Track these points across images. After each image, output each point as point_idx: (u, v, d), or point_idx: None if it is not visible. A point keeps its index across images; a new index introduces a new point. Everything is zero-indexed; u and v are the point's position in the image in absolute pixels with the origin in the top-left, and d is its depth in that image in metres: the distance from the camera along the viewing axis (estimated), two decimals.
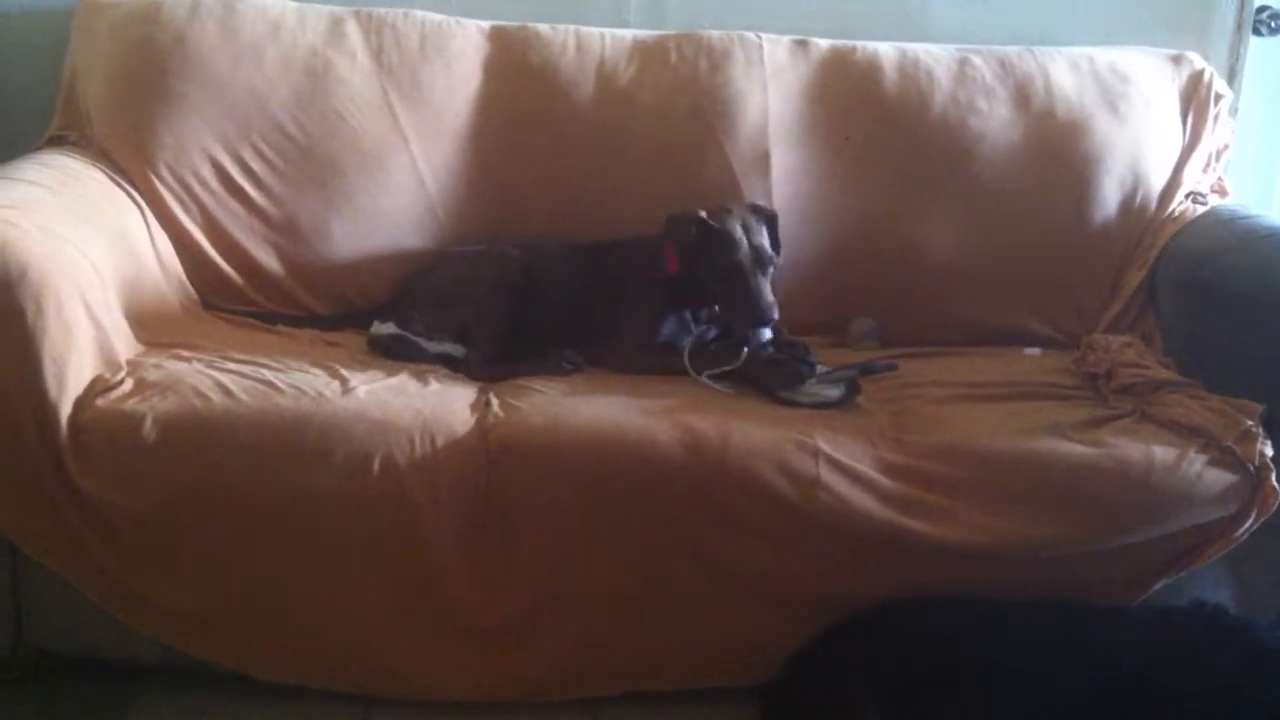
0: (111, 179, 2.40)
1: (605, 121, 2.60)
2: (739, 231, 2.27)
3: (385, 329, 2.37)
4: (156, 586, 1.99)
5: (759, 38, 2.67)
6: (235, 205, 2.50)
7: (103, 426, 1.92)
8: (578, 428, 2.01)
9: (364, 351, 2.35)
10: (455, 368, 2.27)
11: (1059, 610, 1.99)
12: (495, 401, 2.09)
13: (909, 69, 2.65)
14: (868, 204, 2.63)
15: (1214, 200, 2.67)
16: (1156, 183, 2.64)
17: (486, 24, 2.68)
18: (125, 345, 2.11)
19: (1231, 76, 2.90)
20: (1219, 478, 2.03)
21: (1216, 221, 2.54)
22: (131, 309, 2.18)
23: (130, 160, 2.45)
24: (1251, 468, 2.03)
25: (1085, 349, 2.40)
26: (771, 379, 2.19)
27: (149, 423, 1.91)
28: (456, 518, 1.99)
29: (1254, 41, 2.92)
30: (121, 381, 2.00)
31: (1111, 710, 1.79)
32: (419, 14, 2.64)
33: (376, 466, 1.94)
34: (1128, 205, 2.63)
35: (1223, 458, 2.04)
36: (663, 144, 2.60)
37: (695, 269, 2.30)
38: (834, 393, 2.17)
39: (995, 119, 2.63)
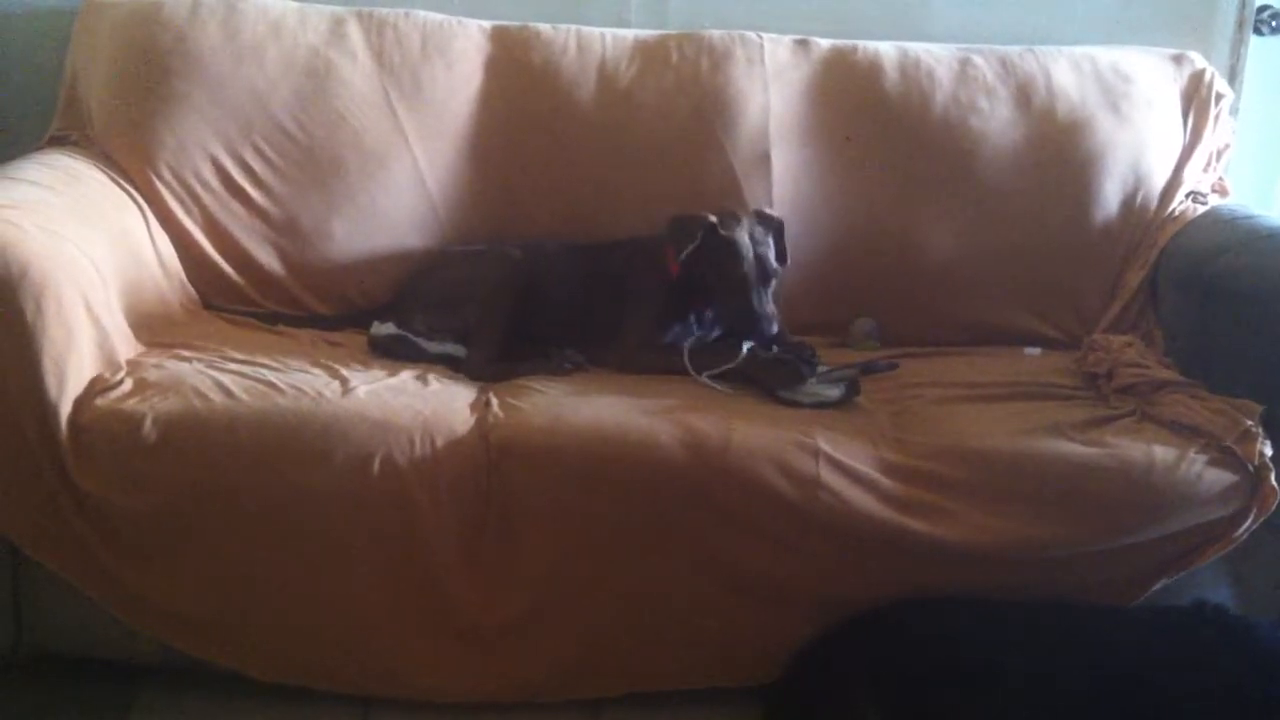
0: (112, 179, 2.40)
1: (606, 121, 2.60)
2: (745, 241, 2.29)
3: (386, 329, 2.37)
4: (156, 586, 1.99)
5: (760, 37, 2.67)
6: (236, 205, 2.50)
7: (103, 426, 1.92)
8: (578, 428, 2.01)
9: (364, 351, 2.35)
10: (456, 368, 2.27)
11: (1059, 610, 1.99)
12: (496, 402, 2.09)
13: (910, 69, 2.65)
14: (869, 203, 2.63)
15: (1215, 200, 2.67)
16: (1157, 182, 2.64)
17: (488, 24, 2.68)
18: (125, 345, 2.11)
19: (1232, 76, 2.90)
20: (1219, 477, 2.03)
21: (1217, 221, 2.53)
22: (132, 309, 2.18)
23: (131, 160, 2.45)
24: (1251, 467, 2.03)
25: (1086, 349, 2.41)
26: (772, 378, 2.19)
27: (149, 423, 1.92)
28: (457, 518, 1.99)
29: (1255, 41, 2.92)
30: (122, 381, 2.00)
31: (1111, 710, 1.79)
32: (420, 14, 2.64)
33: (377, 466, 1.94)
34: (1129, 205, 2.62)
35: (1223, 458, 2.04)
36: (664, 144, 2.60)
37: (699, 275, 2.30)
38: (834, 392, 2.17)
39: (996, 119, 2.63)
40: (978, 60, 2.68)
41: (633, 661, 2.08)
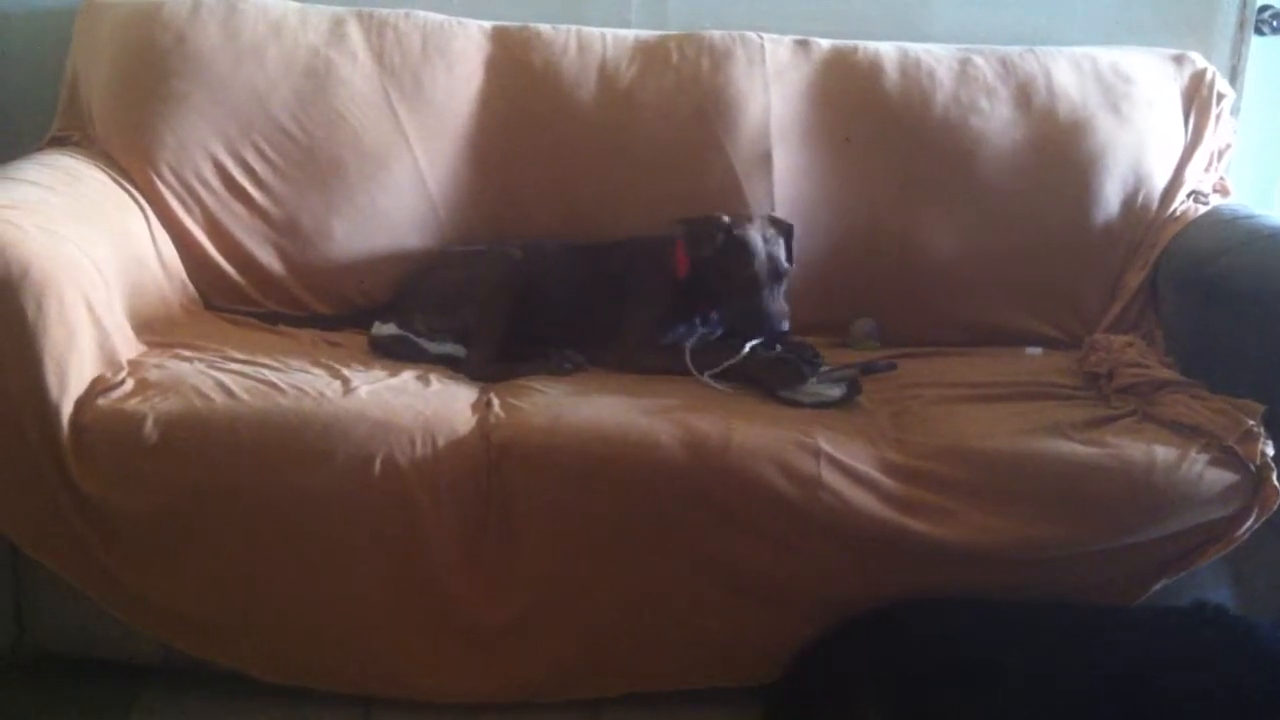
0: (113, 179, 2.41)
1: (607, 122, 2.60)
2: (758, 241, 2.30)
3: (386, 329, 2.37)
4: (157, 586, 1.99)
5: (760, 38, 2.67)
6: (237, 205, 2.50)
7: (104, 426, 1.92)
8: (579, 428, 2.01)
9: (365, 352, 2.35)
10: (456, 368, 2.27)
11: (1060, 610, 1.99)
12: (496, 402, 2.09)
13: (910, 69, 2.65)
14: (869, 204, 2.63)
15: (1216, 200, 2.67)
16: (1158, 182, 2.64)
17: (488, 24, 2.68)
18: (127, 345, 2.11)
19: (1233, 76, 2.90)
20: (1220, 477, 2.03)
21: (1218, 221, 2.53)
22: (133, 309, 2.18)
23: (132, 160, 2.45)
24: (1253, 467, 2.03)
25: (1087, 349, 2.41)
26: (773, 377, 2.19)
27: (150, 423, 1.92)
28: (457, 518, 1.99)
29: (1256, 41, 2.92)
30: (123, 381, 2.00)
31: (1112, 710, 1.79)
32: (421, 14, 2.64)
33: (378, 467, 1.94)
34: (1129, 205, 2.62)
35: (1224, 458, 2.04)
36: (664, 144, 2.60)
37: (708, 275, 2.30)
38: (835, 392, 2.17)
39: (997, 119, 2.63)
40: (978, 60, 2.68)
41: (633, 662, 2.08)
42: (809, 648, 2.03)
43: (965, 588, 2.03)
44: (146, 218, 2.41)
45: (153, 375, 2.03)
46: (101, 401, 1.94)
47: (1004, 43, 2.74)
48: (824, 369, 2.24)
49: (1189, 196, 2.65)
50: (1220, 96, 2.71)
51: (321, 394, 2.02)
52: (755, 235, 2.31)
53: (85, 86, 2.54)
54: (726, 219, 2.31)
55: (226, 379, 2.03)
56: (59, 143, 2.52)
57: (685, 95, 2.60)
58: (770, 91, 2.62)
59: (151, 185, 2.45)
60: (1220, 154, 2.74)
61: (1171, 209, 2.62)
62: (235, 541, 1.98)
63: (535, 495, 1.99)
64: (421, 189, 2.57)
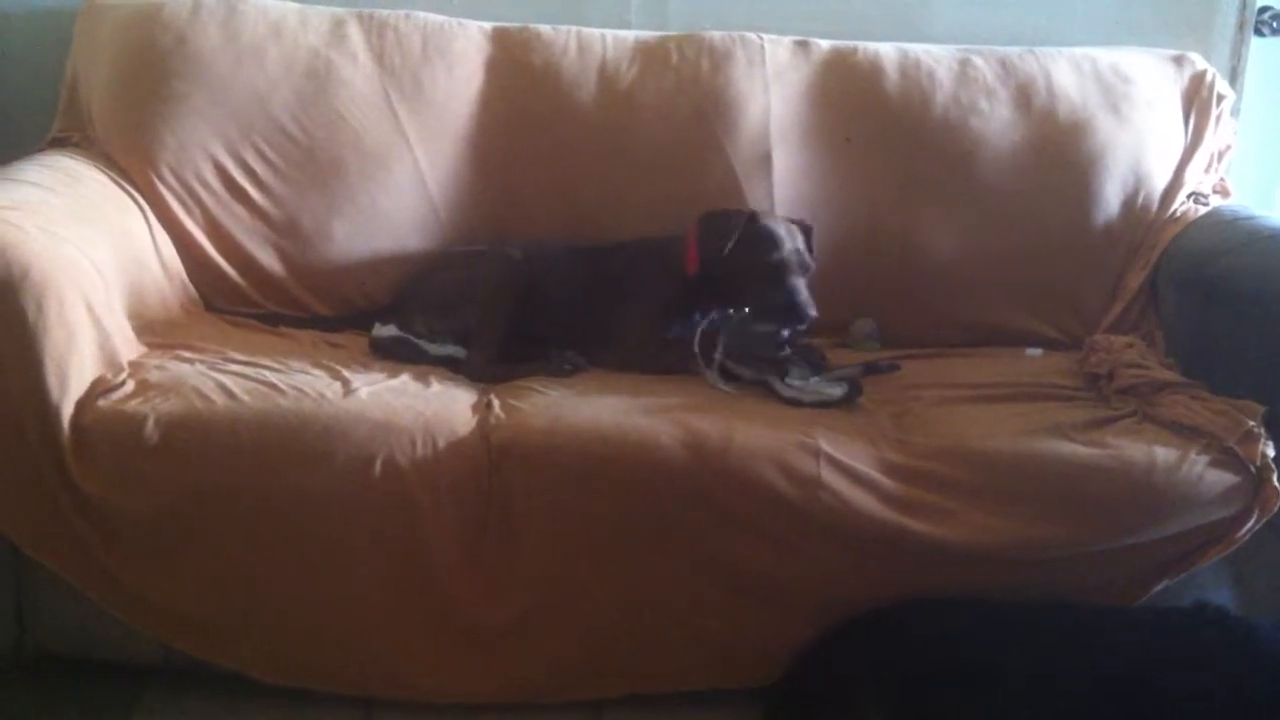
0: (113, 180, 2.41)
1: (607, 122, 2.60)
2: (782, 230, 2.32)
3: (387, 331, 2.37)
4: (158, 587, 1.99)
5: (760, 38, 2.67)
6: (237, 206, 2.50)
7: (104, 428, 1.92)
8: (579, 429, 2.01)
9: (365, 353, 2.35)
10: (457, 369, 2.27)
11: (1061, 611, 1.98)
12: (497, 403, 2.09)
13: (910, 70, 2.65)
14: (869, 204, 2.63)
15: (1216, 201, 2.67)
16: (1158, 183, 2.64)
17: (488, 25, 2.68)
18: (127, 346, 2.11)
19: (1233, 77, 2.90)
20: (1221, 479, 2.02)
21: (1219, 222, 2.53)
22: (134, 310, 2.18)
23: (132, 161, 2.45)
24: (1253, 468, 2.03)
25: (1087, 350, 2.41)
26: (770, 363, 2.20)
27: (151, 424, 1.92)
28: (458, 519, 1.99)
29: (1256, 42, 2.92)
30: (123, 383, 2.00)
31: (1112, 711, 1.79)
32: (421, 15, 2.65)
33: (378, 468, 1.94)
34: (1129, 206, 2.62)
35: (1224, 459, 2.04)
36: (664, 145, 2.60)
37: (729, 269, 2.29)
38: (836, 391, 2.17)
39: (997, 120, 2.63)
40: (978, 61, 2.68)
41: (633, 662, 2.08)
42: (809, 648, 2.03)
43: (966, 588, 2.03)
44: (147, 219, 2.41)
45: (153, 376, 2.03)
46: (102, 403, 1.94)
47: (1004, 43, 2.74)
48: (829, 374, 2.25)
49: (1189, 197, 2.65)
50: (1220, 97, 2.71)
51: (322, 395, 2.02)
52: (779, 225, 2.33)
53: (85, 87, 2.54)
54: (748, 211, 2.32)
55: (227, 380, 2.03)
56: (59, 144, 2.52)
57: (685, 96, 2.60)
58: (770, 92, 2.62)
59: (152, 186, 2.45)
60: (1220, 155, 2.74)
61: (1172, 210, 2.62)
62: (236, 542, 1.98)
63: (535, 496, 1.99)
64: (422, 190, 2.57)
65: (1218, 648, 1.88)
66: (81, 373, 1.95)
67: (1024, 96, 2.64)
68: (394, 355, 2.32)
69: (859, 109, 2.64)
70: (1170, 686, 1.81)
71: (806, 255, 2.35)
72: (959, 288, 2.62)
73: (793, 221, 2.40)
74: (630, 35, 2.70)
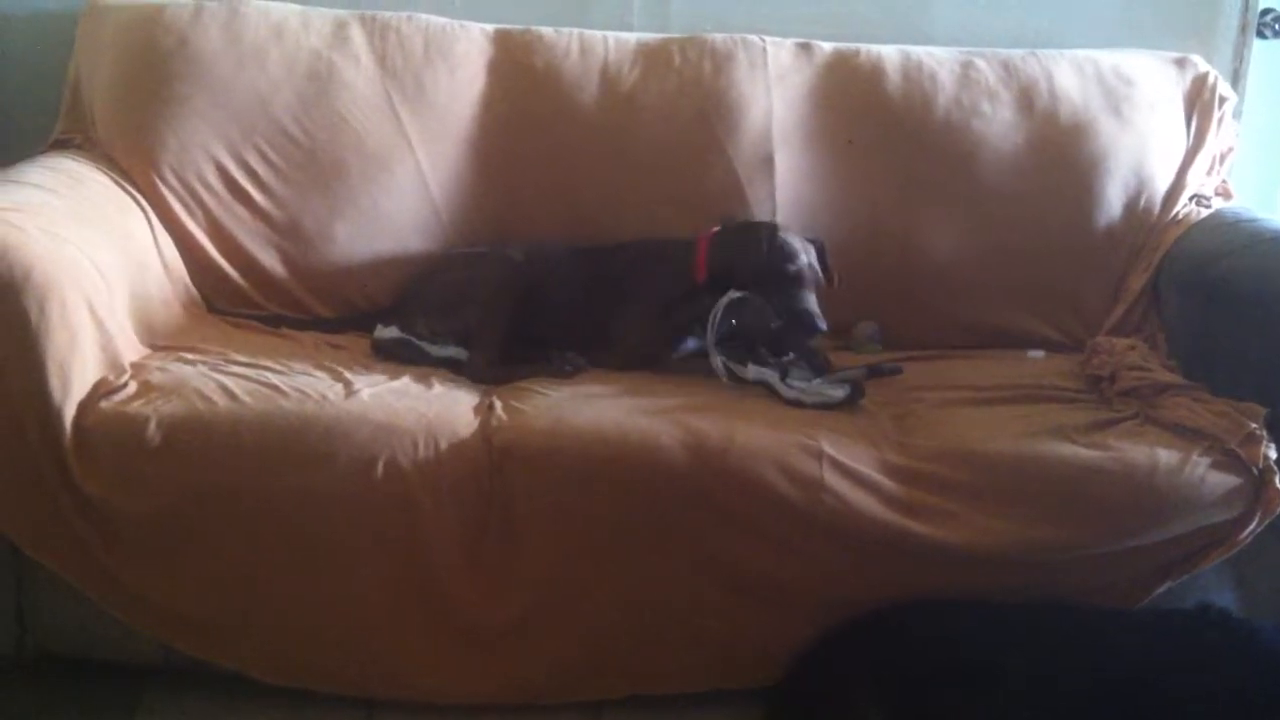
0: (115, 182, 2.41)
1: (609, 124, 2.60)
2: (798, 244, 2.34)
3: (388, 333, 2.37)
4: (159, 588, 1.99)
5: (762, 41, 2.67)
6: (239, 208, 2.51)
7: (106, 429, 1.92)
8: (581, 430, 2.01)
9: (367, 354, 2.35)
10: (458, 371, 2.27)
11: (1062, 612, 1.98)
12: (499, 404, 2.09)
13: (912, 72, 2.65)
14: (871, 206, 2.63)
15: (1218, 203, 2.67)
16: (1160, 186, 2.64)
17: (490, 27, 2.68)
18: (129, 348, 2.11)
19: (1235, 79, 2.90)
20: (1223, 481, 2.02)
21: (1220, 224, 2.53)
22: (136, 312, 2.18)
23: (134, 163, 2.45)
24: (1255, 470, 2.02)
25: (1089, 352, 2.40)
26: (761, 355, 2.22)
27: (153, 425, 1.92)
28: (459, 520, 1.99)
29: (1258, 44, 2.92)
30: (125, 384, 2.00)
31: (1114, 713, 1.79)
32: (423, 17, 2.65)
33: (380, 469, 1.94)
34: (1132, 208, 2.62)
35: (1226, 461, 2.03)
36: (666, 147, 2.60)
37: (745, 277, 2.30)
38: (839, 393, 2.17)
39: (999, 122, 2.63)
40: (980, 63, 2.68)
41: (634, 663, 2.08)
42: (810, 649, 2.03)
43: (967, 590, 2.02)
44: (149, 220, 2.41)
45: (155, 378, 2.03)
46: (104, 404, 1.94)
47: (1006, 46, 2.74)
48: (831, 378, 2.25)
49: (1191, 199, 2.65)
50: (1222, 100, 2.71)
51: (324, 396, 2.02)
52: (795, 239, 2.35)
53: (87, 89, 2.55)
54: (770, 223, 2.34)
55: (229, 381, 2.04)
56: (61, 145, 2.52)
57: (687, 98, 2.61)
58: (772, 94, 2.62)
59: (154, 188, 2.45)
60: (1222, 157, 2.75)
61: (1174, 212, 2.62)
62: (237, 543, 1.98)
63: (537, 497, 1.99)
64: (424, 191, 2.58)
65: (1220, 650, 1.88)
66: (83, 374, 1.95)
67: (1026, 99, 2.64)
68: (396, 357, 2.32)
69: (861, 111, 2.64)
70: (1172, 688, 1.81)
71: (819, 270, 2.37)
72: (961, 290, 2.62)
73: (808, 240, 2.41)
74: (632, 37, 2.70)
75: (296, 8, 2.63)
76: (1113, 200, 2.61)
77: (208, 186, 2.48)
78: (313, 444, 1.94)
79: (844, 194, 2.63)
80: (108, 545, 1.97)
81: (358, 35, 2.59)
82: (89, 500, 1.93)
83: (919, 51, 2.69)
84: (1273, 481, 2.02)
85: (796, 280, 2.31)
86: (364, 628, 2.02)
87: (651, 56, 2.65)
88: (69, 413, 1.91)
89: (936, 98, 2.63)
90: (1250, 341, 2.19)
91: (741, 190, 2.58)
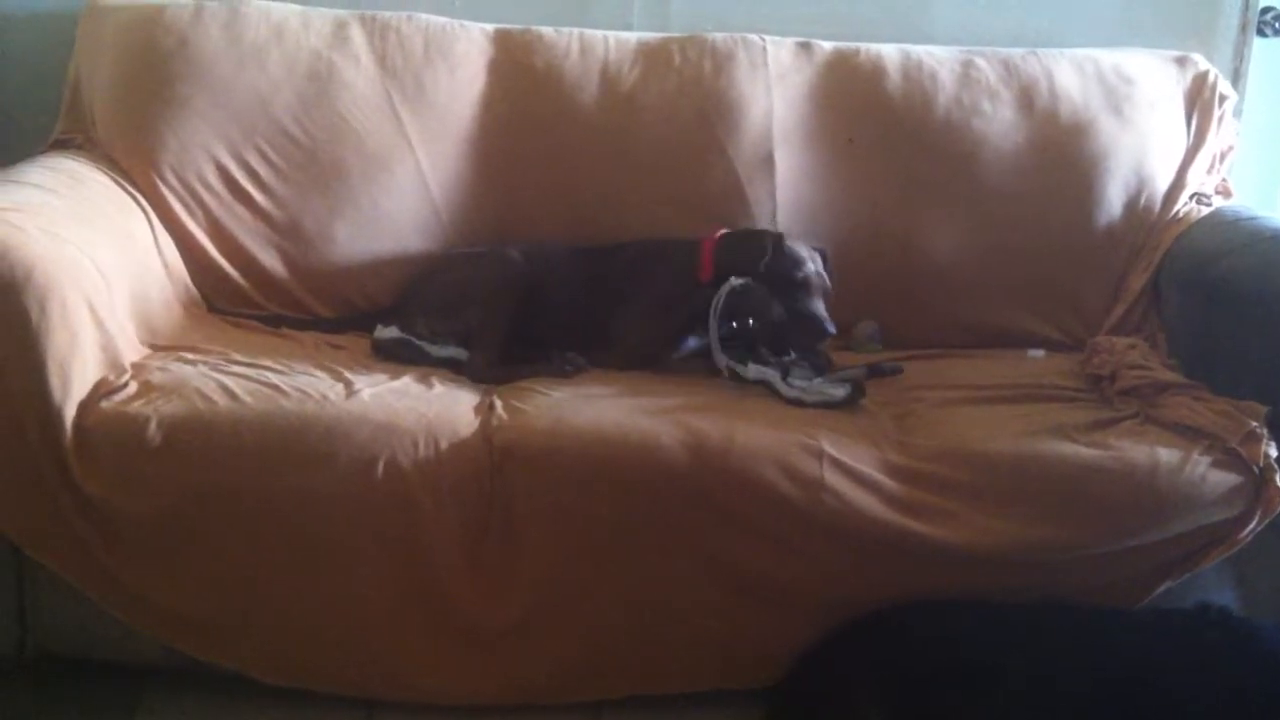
0: (116, 182, 2.41)
1: (609, 124, 2.60)
2: (804, 251, 2.35)
3: (388, 332, 2.37)
4: (159, 588, 1.99)
5: (762, 40, 2.67)
6: (239, 208, 2.51)
7: (107, 429, 1.92)
8: (581, 430, 2.01)
9: (367, 354, 2.35)
10: (459, 371, 2.27)
11: (1062, 612, 1.98)
12: (499, 404, 2.09)
13: (913, 71, 2.65)
14: (871, 206, 2.63)
15: (1218, 202, 2.67)
16: (1161, 184, 2.64)
17: (490, 27, 2.68)
18: (130, 348, 2.11)
19: (1236, 78, 2.90)
20: (1223, 479, 2.02)
21: (1221, 223, 2.53)
22: (136, 312, 2.18)
23: (134, 163, 2.45)
24: (1256, 469, 2.02)
25: (1089, 351, 2.41)
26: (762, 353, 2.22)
27: (153, 425, 1.92)
28: (460, 520, 1.99)
29: (1258, 43, 2.92)
30: (126, 384, 2.00)
31: (1114, 713, 1.79)
32: (423, 17, 2.65)
33: (380, 469, 1.94)
34: (1132, 207, 2.62)
35: (1227, 459, 2.03)
36: (667, 146, 2.60)
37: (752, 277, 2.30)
38: (839, 392, 2.17)
39: (999, 121, 2.63)
40: (980, 63, 2.68)
41: (635, 664, 2.08)
42: (811, 650, 2.03)
43: (967, 590, 2.02)
44: (149, 220, 2.41)
45: (156, 378, 2.03)
46: (104, 404, 1.94)
47: (1006, 45, 2.74)
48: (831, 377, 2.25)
49: (1191, 198, 2.65)
50: (1223, 98, 2.71)
51: (324, 396, 2.02)
52: (801, 248, 2.36)
53: (88, 89, 2.54)
54: (776, 232, 2.35)
55: (229, 381, 2.04)
56: (61, 145, 2.52)
57: (687, 98, 2.60)
58: (772, 94, 2.62)
59: (154, 188, 2.45)
60: (1223, 156, 2.74)
61: (1174, 211, 2.62)
62: (237, 543, 1.98)
63: (537, 497, 1.99)
64: (424, 191, 2.58)
65: (1220, 649, 1.88)
66: (84, 374, 1.95)
67: (1026, 98, 2.64)
68: (396, 357, 2.32)
69: (861, 110, 2.64)
70: (1172, 688, 1.81)
71: (825, 278, 2.37)
72: (961, 289, 2.62)
73: (812, 248, 2.42)
74: (632, 37, 2.70)
75: (296, 8, 2.63)
76: (1113, 199, 2.61)
77: (208, 186, 2.48)
78: (313, 444, 1.94)
79: (844, 193, 2.63)
80: (108, 545, 1.97)
81: (358, 35, 2.59)
82: (89, 500, 1.93)
83: (919, 51, 2.69)
84: (1273, 480, 2.02)
85: (804, 285, 2.32)
86: (364, 628, 2.02)
87: (651, 56, 2.65)
88: (69, 413, 1.91)
89: (937, 97, 2.63)
90: (1250, 340, 2.19)
91: (741, 190, 2.58)
